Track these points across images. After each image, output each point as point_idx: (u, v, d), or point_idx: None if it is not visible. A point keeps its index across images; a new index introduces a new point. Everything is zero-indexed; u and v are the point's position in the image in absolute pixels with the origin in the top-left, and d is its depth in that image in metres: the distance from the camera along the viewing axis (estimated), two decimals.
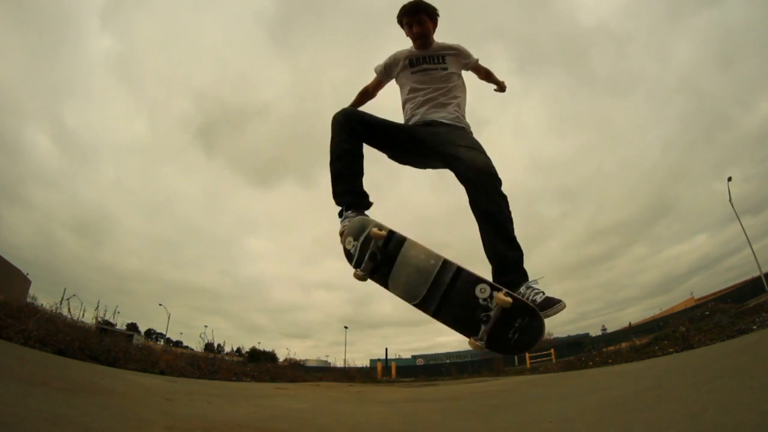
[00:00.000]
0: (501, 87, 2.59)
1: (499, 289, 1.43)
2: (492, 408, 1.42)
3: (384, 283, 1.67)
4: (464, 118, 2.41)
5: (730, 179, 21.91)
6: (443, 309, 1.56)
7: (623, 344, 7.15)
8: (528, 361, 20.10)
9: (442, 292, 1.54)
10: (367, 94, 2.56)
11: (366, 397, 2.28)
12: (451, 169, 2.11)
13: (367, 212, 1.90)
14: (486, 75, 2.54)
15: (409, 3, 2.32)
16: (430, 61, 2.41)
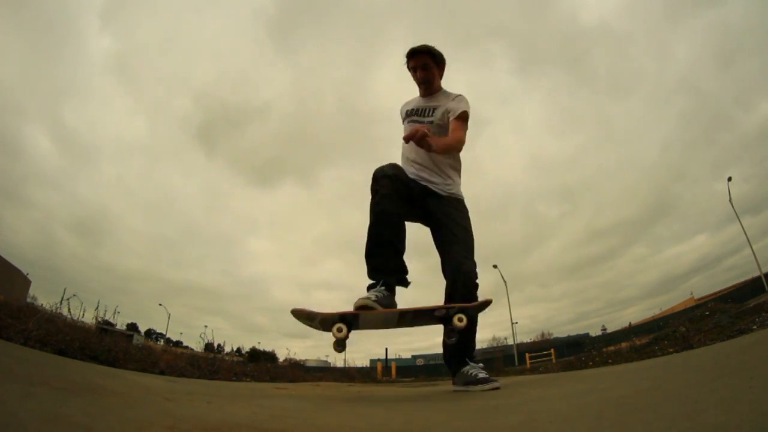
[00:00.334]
0: (424, 142, 2.13)
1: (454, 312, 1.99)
2: (492, 408, 1.42)
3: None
4: (453, 182, 2.44)
5: (730, 179, 21.96)
6: (414, 323, 2.22)
7: (623, 344, 7.14)
8: (528, 361, 20.12)
9: (410, 319, 2.14)
10: None
11: (366, 397, 2.28)
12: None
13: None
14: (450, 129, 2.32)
15: (416, 47, 2.31)
16: (421, 114, 2.42)
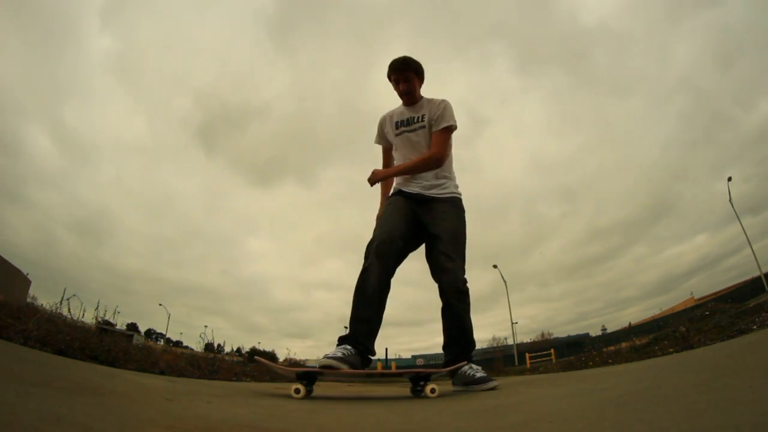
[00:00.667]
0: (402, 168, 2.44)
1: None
2: (492, 408, 1.42)
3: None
4: (447, 182, 2.51)
5: (730, 179, 21.97)
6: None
7: (623, 344, 7.15)
8: (528, 361, 20.11)
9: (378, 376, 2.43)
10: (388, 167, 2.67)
11: (366, 397, 2.28)
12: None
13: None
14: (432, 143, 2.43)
15: (397, 61, 2.46)
16: (409, 124, 2.52)
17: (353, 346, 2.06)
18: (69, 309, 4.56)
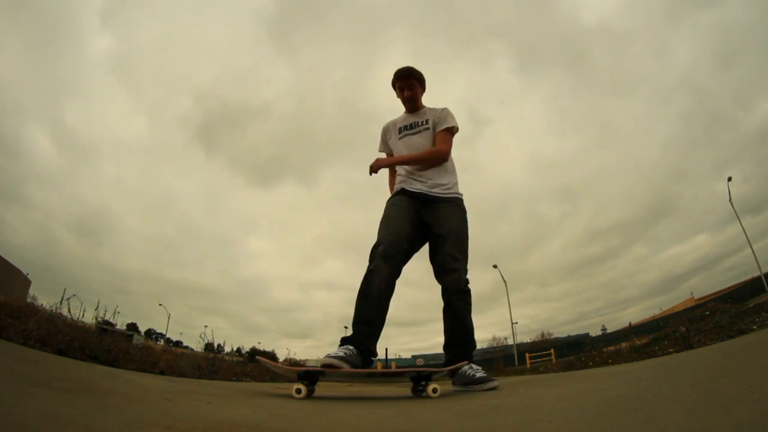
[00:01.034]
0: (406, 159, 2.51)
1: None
2: (492, 408, 1.42)
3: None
4: (451, 183, 2.55)
5: (730, 179, 21.96)
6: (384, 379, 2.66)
7: (623, 344, 7.14)
8: (528, 361, 20.11)
9: (379, 376, 2.43)
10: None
11: (366, 397, 2.28)
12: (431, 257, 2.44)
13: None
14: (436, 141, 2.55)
15: (402, 70, 2.59)
16: (413, 127, 2.61)
17: (355, 347, 2.06)
18: (69, 309, 4.55)
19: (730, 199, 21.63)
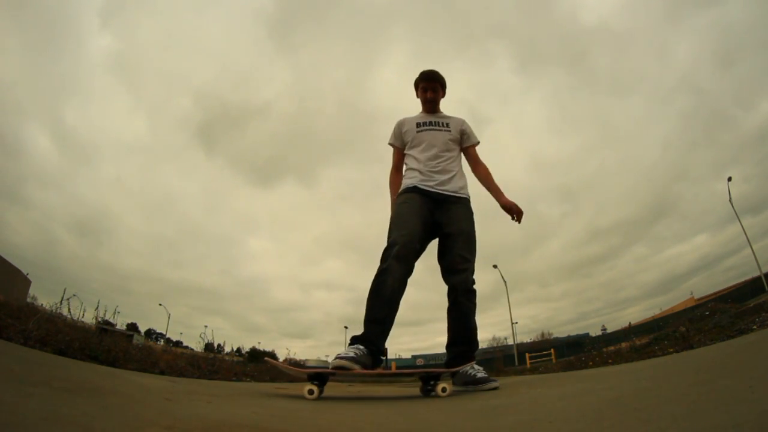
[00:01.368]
0: (508, 207, 2.56)
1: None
2: (492, 408, 1.42)
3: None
4: (464, 185, 2.61)
5: (730, 179, 21.95)
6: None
7: (623, 344, 7.14)
8: (528, 361, 20.12)
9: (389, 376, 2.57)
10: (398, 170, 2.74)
11: (366, 397, 2.28)
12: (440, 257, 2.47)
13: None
14: (484, 175, 2.68)
15: (429, 72, 2.69)
16: (435, 125, 2.67)
17: (365, 346, 2.08)
18: (69, 309, 4.56)
19: (730, 199, 21.64)
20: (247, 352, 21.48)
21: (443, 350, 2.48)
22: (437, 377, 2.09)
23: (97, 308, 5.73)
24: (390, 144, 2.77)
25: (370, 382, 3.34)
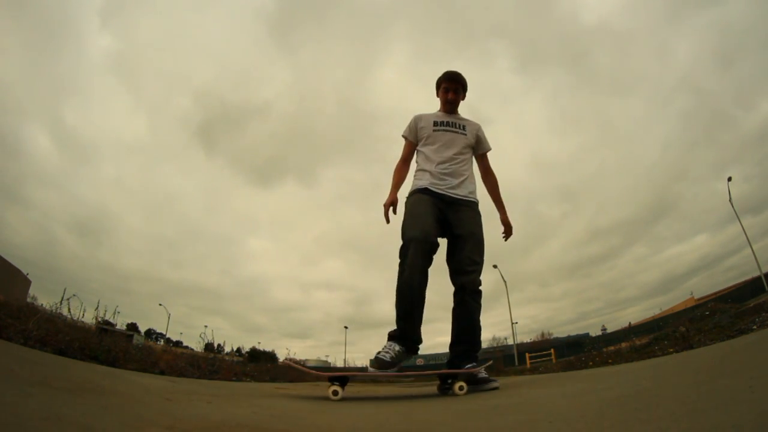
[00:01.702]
0: (505, 224, 2.73)
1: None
2: (492, 408, 1.42)
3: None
4: (474, 188, 2.66)
5: (730, 179, 21.90)
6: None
7: (623, 344, 7.14)
8: (528, 361, 20.12)
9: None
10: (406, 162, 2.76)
11: (366, 397, 2.29)
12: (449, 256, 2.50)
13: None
14: (492, 185, 2.79)
15: (453, 72, 2.71)
16: (453, 126, 2.69)
17: (401, 343, 2.22)
18: (69, 309, 4.56)
19: (730, 199, 21.61)
20: (247, 352, 21.48)
21: (443, 350, 2.50)
22: (455, 376, 2.16)
23: (97, 308, 5.73)
24: (403, 136, 2.77)
25: (370, 383, 3.34)
